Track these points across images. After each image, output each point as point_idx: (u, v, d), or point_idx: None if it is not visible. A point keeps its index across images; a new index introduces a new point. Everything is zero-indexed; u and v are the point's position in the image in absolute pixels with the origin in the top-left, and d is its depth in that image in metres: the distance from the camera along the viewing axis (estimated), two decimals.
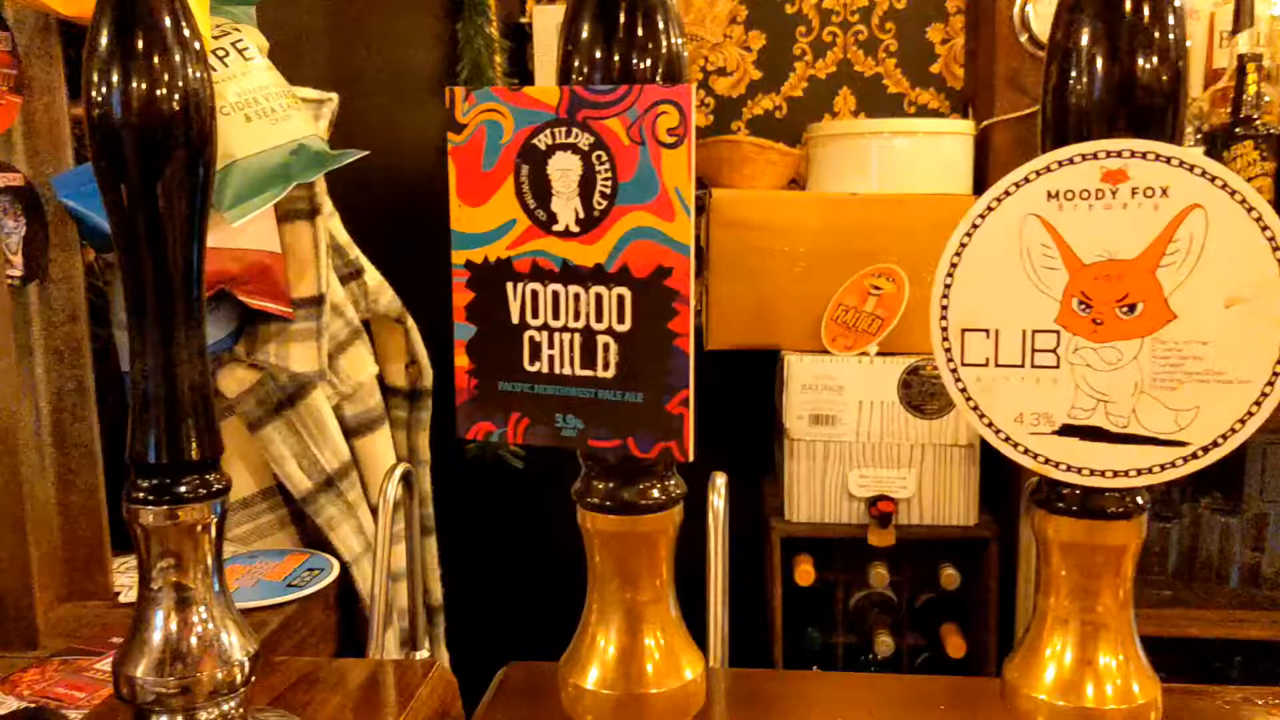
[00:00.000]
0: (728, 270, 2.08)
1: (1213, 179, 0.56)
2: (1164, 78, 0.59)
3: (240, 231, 1.15)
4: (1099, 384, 0.59)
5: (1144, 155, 0.57)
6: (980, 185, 2.16)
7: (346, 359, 1.31)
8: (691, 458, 0.61)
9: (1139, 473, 0.59)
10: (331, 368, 1.29)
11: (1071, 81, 0.60)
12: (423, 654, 0.98)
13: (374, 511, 1.30)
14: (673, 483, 0.67)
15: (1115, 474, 0.60)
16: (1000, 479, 2.07)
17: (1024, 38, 2.20)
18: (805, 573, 2.06)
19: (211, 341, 1.21)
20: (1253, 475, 1.80)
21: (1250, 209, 0.56)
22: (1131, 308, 0.58)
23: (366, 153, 1.25)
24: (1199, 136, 2.00)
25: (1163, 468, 0.59)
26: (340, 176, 1.35)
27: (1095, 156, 0.58)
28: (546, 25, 2.24)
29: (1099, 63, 0.59)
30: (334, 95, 1.33)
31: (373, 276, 1.40)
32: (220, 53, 1.15)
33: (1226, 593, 1.94)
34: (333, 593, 1.22)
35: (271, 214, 1.21)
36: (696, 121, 2.32)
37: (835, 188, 2.12)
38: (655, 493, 0.66)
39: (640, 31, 0.62)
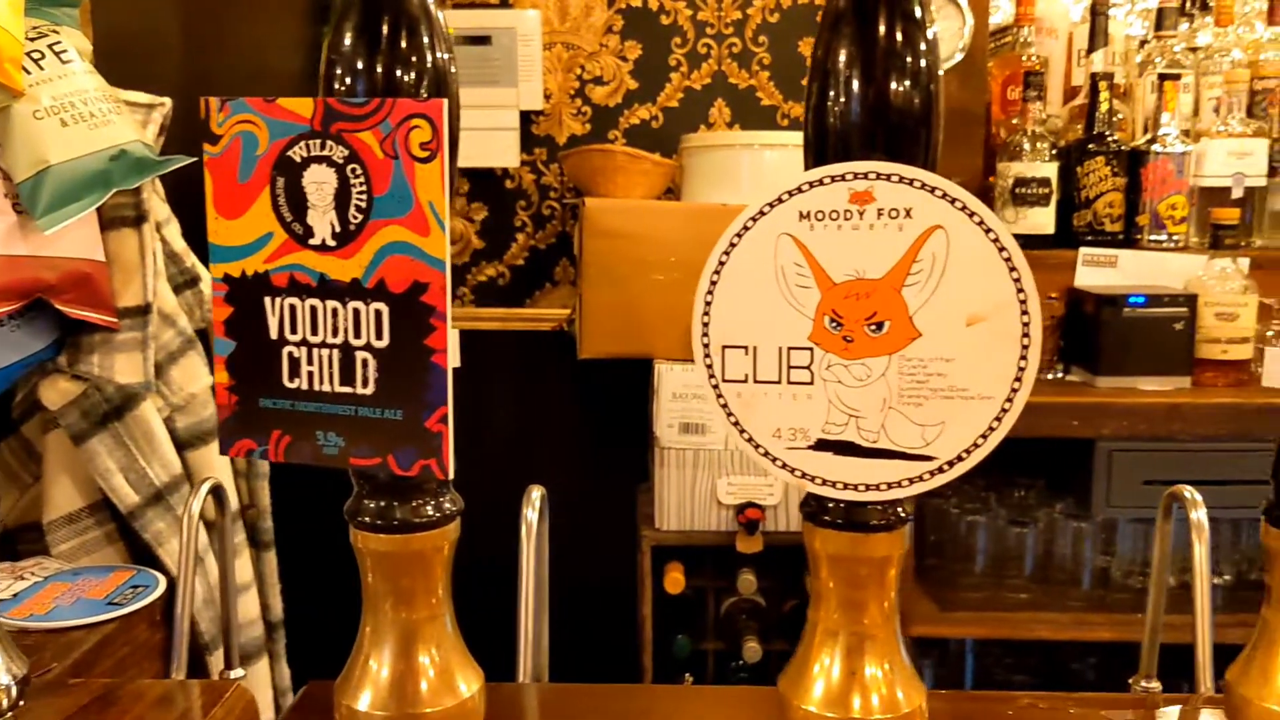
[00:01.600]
0: (600, 279, 2.08)
1: (953, 201, 0.58)
2: (915, 101, 0.60)
3: (57, 239, 1.11)
4: (850, 400, 0.60)
5: (889, 177, 0.58)
6: None
7: (179, 369, 1.28)
8: (451, 475, 0.61)
9: (889, 486, 0.60)
10: (162, 378, 1.25)
11: (829, 102, 0.61)
12: (238, 673, 0.96)
13: (207, 525, 1.27)
14: (447, 499, 0.67)
15: (867, 487, 0.61)
16: None
17: None
18: (675, 580, 2.07)
19: (30, 352, 1.16)
20: (1100, 481, 1.85)
21: (988, 230, 0.58)
22: (879, 326, 0.59)
23: (192, 159, 1.21)
24: (1054, 152, 2.06)
25: (911, 481, 0.60)
26: (181, 183, 1.31)
27: (844, 178, 0.59)
28: None
29: (854, 85, 0.60)
30: (166, 100, 1.29)
31: (209, 285, 1.36)
32: (35, 55, 1.11)
33: (1079, 595, 1.99)
34: (159, 610, 1.18)
35: (94, 221, 1.17)
36: (573, 130, 2.30)
37: (707, 198, 2.13)
38: (429, 510, 0.66)
39: (403, 45, 0.61)
